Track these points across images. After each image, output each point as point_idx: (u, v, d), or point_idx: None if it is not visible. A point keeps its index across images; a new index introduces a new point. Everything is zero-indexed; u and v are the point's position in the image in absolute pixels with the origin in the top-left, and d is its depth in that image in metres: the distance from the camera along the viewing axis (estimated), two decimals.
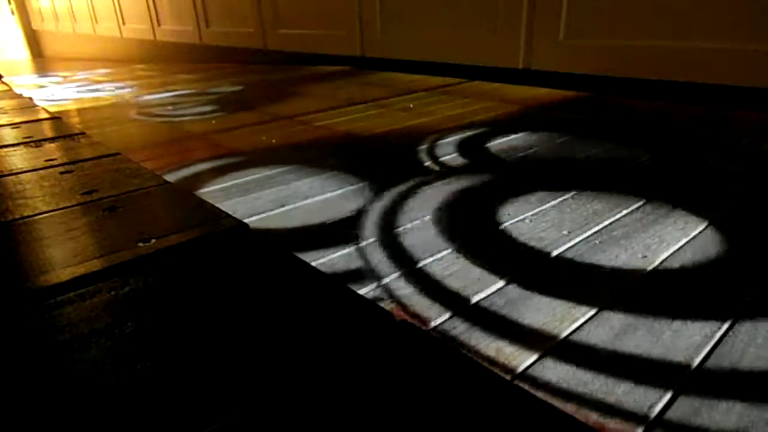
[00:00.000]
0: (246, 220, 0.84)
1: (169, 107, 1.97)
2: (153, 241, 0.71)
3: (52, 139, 1.37)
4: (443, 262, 0.68)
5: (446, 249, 0.71)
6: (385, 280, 0.64)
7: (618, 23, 1.63)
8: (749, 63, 1.38)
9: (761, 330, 0.52)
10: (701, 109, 1.46)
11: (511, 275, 0.64)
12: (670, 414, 0.43)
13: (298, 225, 0.83)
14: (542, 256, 0.69)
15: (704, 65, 1.47)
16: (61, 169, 1.09)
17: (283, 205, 0.92)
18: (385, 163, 1.13)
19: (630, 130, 1.29)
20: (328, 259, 0.70)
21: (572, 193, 0.89)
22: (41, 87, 2.83)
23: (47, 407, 0.42)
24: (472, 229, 0.77)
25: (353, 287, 0.62)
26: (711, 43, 1.45)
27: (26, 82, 3.21)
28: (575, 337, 0.53)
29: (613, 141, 1.20)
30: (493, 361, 0.50)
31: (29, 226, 0.79)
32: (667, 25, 1.52)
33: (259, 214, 0.88)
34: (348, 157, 1.18)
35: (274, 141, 1.37)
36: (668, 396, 0.45)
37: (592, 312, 0.56)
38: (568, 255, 0.68)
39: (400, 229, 0.79)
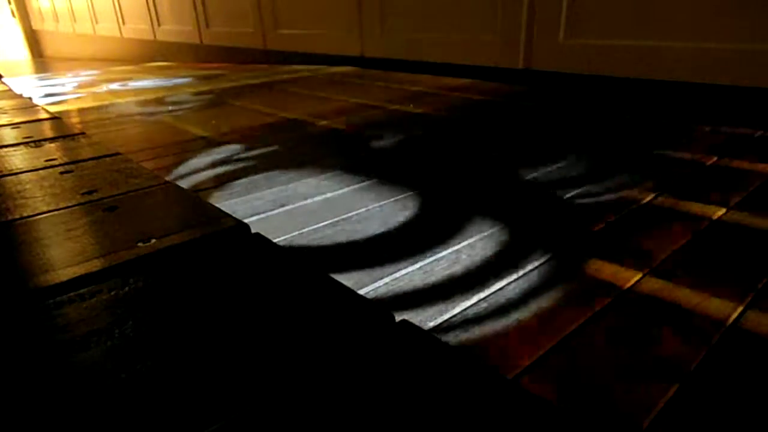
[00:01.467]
0: (246, 220, 0.84)
1: (170, 107, 1.97)
2: (153, 241, 0.71)
3: (52, 139, 1.37)
4: None
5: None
6: None
7: (618, 23, 1.63)
8: (752, 63, 1.38)
9: None
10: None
11: None
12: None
13: (298, 225, 0.83)
14: None
15: (706, 65, 1.47)
16: (61, 169, 1.09)
17: (283, 205, 0.92)
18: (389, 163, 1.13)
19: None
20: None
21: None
22: (41, 87, 2.83)
23: (47, 407, 0.42)
24: None
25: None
26: (713, 43, 1.45)
27: (26, 82, 3.21)
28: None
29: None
30: None
31: (29, 226, 0.79)
32: (668, 25, 1.52)
33: (259, 214, 0.88)
34: (349, 157, 1.18)
35: (274, 141, 1.37)
36: None
37: None
38: None
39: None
